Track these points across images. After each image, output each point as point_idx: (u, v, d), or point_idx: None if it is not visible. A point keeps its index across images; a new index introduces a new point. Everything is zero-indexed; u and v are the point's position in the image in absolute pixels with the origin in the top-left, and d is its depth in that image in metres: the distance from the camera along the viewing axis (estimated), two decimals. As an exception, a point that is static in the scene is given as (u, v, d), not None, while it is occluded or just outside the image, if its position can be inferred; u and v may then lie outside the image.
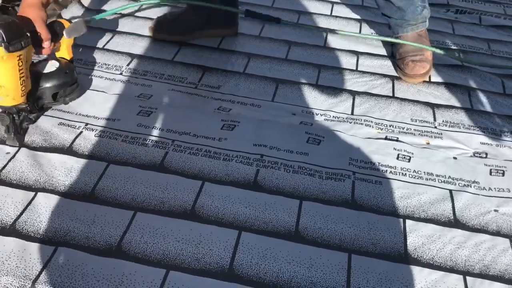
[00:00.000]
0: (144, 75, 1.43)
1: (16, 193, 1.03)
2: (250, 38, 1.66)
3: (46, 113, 1.25)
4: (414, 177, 1.16)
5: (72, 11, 1.71)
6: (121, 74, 1.43)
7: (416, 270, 0.95)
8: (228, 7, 1.59)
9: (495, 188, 1.14)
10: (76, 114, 1.25)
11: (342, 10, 1.89)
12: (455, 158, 1.22)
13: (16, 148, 1.14)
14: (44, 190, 1.05)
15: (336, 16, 1.84)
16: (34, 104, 1.18)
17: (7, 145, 1.13)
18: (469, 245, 1.01)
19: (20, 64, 1.08)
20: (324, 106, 1.37)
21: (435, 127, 1.33)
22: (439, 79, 1.53)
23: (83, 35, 1.33)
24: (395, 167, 1.18)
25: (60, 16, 1.68)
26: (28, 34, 1.09)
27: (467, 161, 1.22)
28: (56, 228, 0.97)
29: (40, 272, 0.88)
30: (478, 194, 1.12)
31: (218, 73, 1.48)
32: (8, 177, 1.07)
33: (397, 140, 1.26)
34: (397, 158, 1.21)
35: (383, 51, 1.65)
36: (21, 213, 0.99)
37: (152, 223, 0.99)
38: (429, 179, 1.16)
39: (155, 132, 1.22)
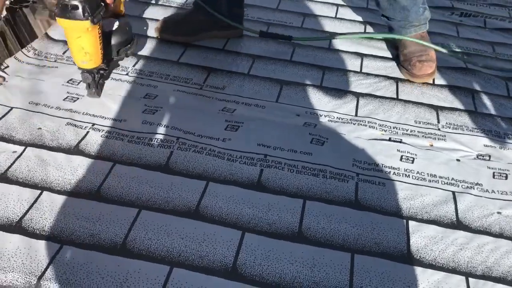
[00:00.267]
0: (150, 75, 1.45)
1: (22, 191, 1.05)
2: (255, 40, 1.67)
3: (53, 113, 1.26)
4: (417, 179, 1.16)
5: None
6: (127, 74, 1.44)
7: (418, 270, 0.95)
8: (243, 26, 1.62)
9: (498, 191, 1.15)
10: (83, 114, 1.26)
11: (347, 13, 1.90)
12: (458, 160, 1.23)
13: (24, 147, 1.15)
14: (50, 188, 1.06)
15: (341, 19, 1.85)
16: (105, 61, 1.32)
17: (89, 96, 1.32)
18: (471, 246, 1.01)
19: (99, 31, 1.23)
20: (328, 107, 1.38)
21: (439, 129, 1.33)
22: (443, 82, 1.53)
23: None
24: (399, 168, 1.18)
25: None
26: (103, 4, 1.22)
27: (471, 163, 1.22)
28: (62, 226, 0.98)
29: (46, 269, 0.89)
30: (481, 196, 1.13)
31: (223, 74, 1.49)
32: (15, 175, 1.08)
33: (400, 142, 1.27)
34: (401, 159, 1.21)
35: (387, 53, 1.65)
36: (27, 211, 1.00)
37: (156, 221, 1.00)
38: (432, 180, 1.16)
39: (160, 130, 1.23)
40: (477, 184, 1.16)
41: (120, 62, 1.49)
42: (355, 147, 1.24)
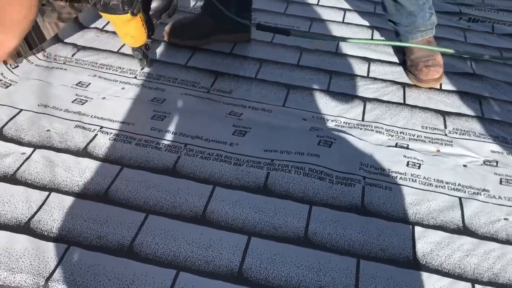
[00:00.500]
0: (157, 79, 1.46)
1: (31, 192, 1.06)
2: (262, 44, 1.68)
3: (62, 115, 1.27)
4: (424, 184, 1.16)
5: (89, 14, 1.74)
6: (135, 77, 1.45)
7: (424, 276, 0.95)
8: (242, 20, 1.62)
9: (505, 197, 1.14)
10: (91, 117, 1.27)
11: (354, 18, 1.90)
12: (465, 166, 1.23)
13: (32, 149, 1.16)
14: (58, 190, 1.07)
15: (348, 23, 1.85)
16: (149, 32, 1.39)
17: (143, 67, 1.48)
18: (478, 253, 1.01)
19: (141, 14, 1.29)
20: (335, 112, 1.38)
21: (446, 135, 1.33)
22: (450, 87, 1.53)
23: None
24: (405, 173, 1.18)
25: (77, 19, 1.71)
26: None
27: (477, 169, 1.22)
28: (69, 227, 0.99)
29: (54, 270, 0.90)
30: (488, 202, 1.12)
31: (230, 78, 1.49)
32: (23, 176, 1.09)
33: (407, 147, 1.27)
34: (407, 165, 1.21)
35: (394, 58, 1.65)
36: (36, 212, 1.01)
37: (163, 225, 1.01)
38: (439, 186, 1.16)
39: (168, 136, 1.23)
40: (483, 190, 1.16)
41: (127, 66, 1.50)
42: (361, 152, 1.24)
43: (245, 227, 1.02)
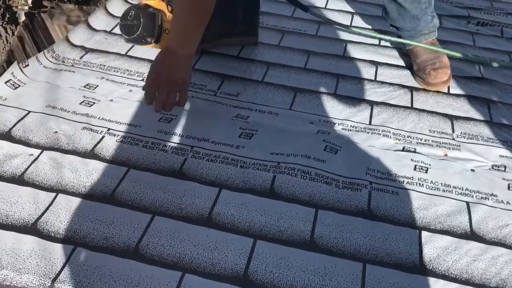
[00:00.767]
0: (165, 81, 1.46)
1: (38, 193, 1.06)
2: (269, 47, 1.68)
3: (69, 117, 1.28)
4: (431, 188, 1.15)
5: (98, 18, 1.75)
6: (143, 80, 1.46)
7: (431, 281, 0.95)
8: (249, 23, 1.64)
9: (513, 202, 1.14)
10: (99, 119, 1.28)
11: (362, 21, 1.90)
12: (473, 170, 1.22)
13: (40, 150, 1.17)
14: (65, 191, 1.07)
15: (356, 27, 1.85)
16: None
17: None
18: (485, 258, 1.00)
19: (167, 31, 1.27)
20: (342, 115, 1.38)
21: (453, 139, 1.32)
22: (458, 91, 1.52)
23: None
24: (412, 177, 1.18)
25: (85, 21, 1.72)
26: (159, 13, 1.24)
27: (485, 174, 1.21)
28: (76, 228, 0.99)
29: (60, 271, 0.90)
30: (496, 207, 1.11)
31: (237, 81, 1.50)
32: (31, 178, 1.10)
33: (414, 151, 1.26)
34: (414, 169, 1.20)
35: (402, 62, 1.65)
36: (43, 213, 1.02)
37: (169, 227, 1.01)
38: (446, 190, 1.15)
39: (175, 139, 1.24)
40: (491, 195, 1.15)
41: (135, 68, 1.51)
42: (368, 156, 1.24)
43: (251, 230, 1.02)
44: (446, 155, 1.26)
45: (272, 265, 0.95)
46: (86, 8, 2.75)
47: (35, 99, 1.33)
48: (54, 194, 1.06)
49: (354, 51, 1.69)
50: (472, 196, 1.14)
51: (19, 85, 1.37)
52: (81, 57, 1.53)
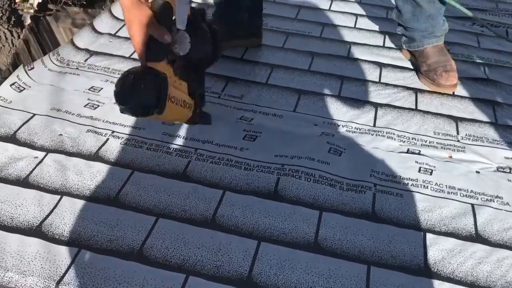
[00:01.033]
0: (169, 84, 1.46)
1: (43, 196, 1.07)
2: (273, 49, 1.68)
3: (74, 120, 1.28)
4: (435, 191, 1.15)
5: (102, 21, 1.76)
6: (146, 82, 1.46)
7: (436, 284, 0.94)
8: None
9: (519, 204, 1.13)
10: (103, 122, 1.28)
11: (366, 23, 1.90)
12: (478, 172, 1.21)
13: (45, 153, 1.17)
14: (69, 193, 1.08)
15: (360, 29, 1.85)
16: (200, 89, 1.10)
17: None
18: (491, 260, 0.99)
19: (174, 98, 0.98)
20: (346, 117, 1.38)
21: (458, 141, 1.32)
22: (463, 93, 1.52)
23: None
24: (417, 179, 1.17)
25: (90, 24, 1.72)
26: (165, 78, 0.95)
27: (490, 176, 1.20)
28: (80, 231, 0.99)
29: (64, 274, 0.90)
30: (501, 209, 1.11)
31: (241, 83, 1.50)
32: (36, 180, 1.10)
33: (419, 153, 1.26)
34: (419, 171, 1.20)
35: (406, 64, 1.64)
36: (47, 216, 1.02)
37: (173, 229, 1.01)
38: (451, 192, 1.15)
39: (179, 141, 1.24)
40: (497, 197, 1.14)
41: (140, 70, 1.51)
42: (373, 158, 1.23)
43: (255, 232, 1.02)
44: (451, 157, 1.26)
45: (276, 267, 0.95)
46: (91, 11, 2.76)
47: (40, 102, 1.34)
48: (59, 196, 1.07)
49: (359, 53, 1.68)
50: (477, 198, 1.14)
51: (24, 88, 1.38)
52: (86, 60, 1.54)
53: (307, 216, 1.06)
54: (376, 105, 1.43)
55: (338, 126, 1.34)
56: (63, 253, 0.95)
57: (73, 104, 1.34)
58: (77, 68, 1.50)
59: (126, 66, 1.53)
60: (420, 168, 1.21)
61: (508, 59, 1.72)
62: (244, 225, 1.03)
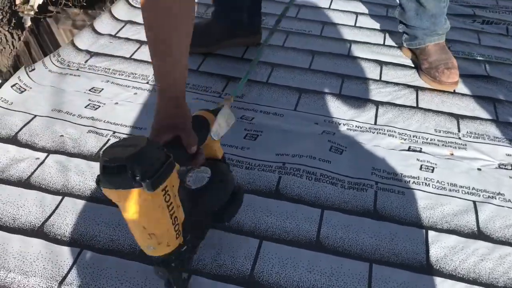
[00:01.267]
0: (169, 84, 1.46)
1: (44, 196, 1.07)
2: (274, 48, 1.68)
3: (75, 121, 1.28)
4: (437, 188, 1.15)
5: (103, 22, 1.76)
6: (147, 83, 1.46)
7: (438, 281, 0.94)
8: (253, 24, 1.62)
9: (521, 201, 1.13)
10: (104, 122, 1.28)
11: (367, 21, 1.90)
12: (479, 169, 1.21)
13: (46, 154, 1.17)
14: (71, 194, 1.08)
15: (360, 27, 1.85)
16: (194, 236, 0.85)
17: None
18: (493, 257, 0.99)
19: (168, 198, 0.74)
20: (347, 115, 1.38)
21: (459, 138, 1.31)
22: (464, 90, 1.51)
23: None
24: (418, 177, 1.17)
25: (90, 25, 1.73)
26: (170, 155, 0.74)
27: (492, 173, 1.20)
28: (82, 231, 0.99)
29: (67, 274, 0.91)
30: (503, 206, 1.11)
31: (242, 82, 1.49)
32: (37, 181, 1.10)
33: (420, 151, 1.26)
34: (420, 168, 1.20)
35: (407, 61, 1.64)
36: (49, 216, 1.02)
37: (175, 228, 1.01)
38: (453, 190, 1.15)
39: (180, 140, 1.24)
40: (498, 194, 1.14)
41: (140, 71, 1.51)
42: (374, 156, 1.23)
43: (257, 231, 1.02)
44: (452, 154, 1.26)
45: (278, 265, 0.95)
46: (91, 12, 2.77)
47: (40, 103, 1.34)
48: (60, 197, 1.07)
49: (359, 51, 1.68)
50: (479, 195, 1.13)
51: (25, 89, 1.38)
52: (86, 61, 1.54)
53: (308, 214, 1.06)
54: (377, 103, 1.43)
55: (339, 124, 1.34)
56: (65, 254, 0.95)
57: (74, 105, 1.34)
58: (77, 69, 1.50)
59: (126, 66, 1.53)
60: (421, 165, 1.21)
61: (509, 56, 1.71)
62: (246, 224, 1.03)
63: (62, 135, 1.23)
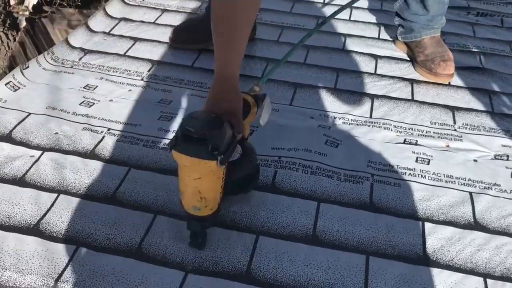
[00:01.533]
0: (164, 80, 1.46)
1: (40, 194, 1.06)
2: (268, 43, 1.68)
3: (69, 118, 1.28)
4: (433, 180, 1.15)
5: (97, 19, 1.75)
6: (142, 80, 1.46)
7: (435, 272, 0.94)
8: None
9: (517, 191, 1.13)
10: (99, 119, 1.28)
11: (361, 15, 1.89)
12: (475, 160, 1.21)
13: (41, 152, 1.17)
14: (66, 192, 1.07)
15: (355, 21, 1.85)
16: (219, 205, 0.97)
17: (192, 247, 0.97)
18: (489, 247, 0.99)
19: (224, 171, 0.91)
20: (343, 109, 1.38)
21: (455, 130, 1.31)
22: (459, 82, 1.51)
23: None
24: (414, 169, 1.17)
25: (86, 24, 1.72)
26: (236, 136, 0.90)
27: (488, 164, 1.20)
28: (78, 229, 0.99)
29: (63, 271, 0.90)
30: (499, 197, 1.11)
31: (237, 78, 1.49)
32: (32, 179, 1.10)
33: (416, 143, 1.25)
34: (416, 160, 1.20)
35: (401, 55, 1.64)
36: (45, 214, 1.02)
37: (171, 226, 1.01)
38: (449, 181, 1.15)
39: (175, 136, 1.23)
40: (494, 184, 1.14)
41: (134, 68, 1.51)
42: (369, 149, 1.23)
43: (253, 226, 1.02)
44: (448, 146, 1.26)
45: (275, 260, 0.95)
46: (87, 11, 2.75)
47: (35, 100, 1.33)
48: (56, 195, 1.06)
49: (354, 45, 1.68)
50: (475, 186, 1.13)
51: (19, 87, 1.38)
52: (80, 59, 1.54)
53: (305, 208, 1.06)
54: (372, 97, 1.43)
55: (335, 118, 1.34)
56: (61, 251, 0.94)
57: (69, 103, 1.33)
58: (71, 67, 1.50)
59: (120, 63, 1.53)
60: (417, 158, 1.21)
61: (503, 48, 1.72)
62: (242, 219, 1.03)
63: (56, 133, 1.23)
